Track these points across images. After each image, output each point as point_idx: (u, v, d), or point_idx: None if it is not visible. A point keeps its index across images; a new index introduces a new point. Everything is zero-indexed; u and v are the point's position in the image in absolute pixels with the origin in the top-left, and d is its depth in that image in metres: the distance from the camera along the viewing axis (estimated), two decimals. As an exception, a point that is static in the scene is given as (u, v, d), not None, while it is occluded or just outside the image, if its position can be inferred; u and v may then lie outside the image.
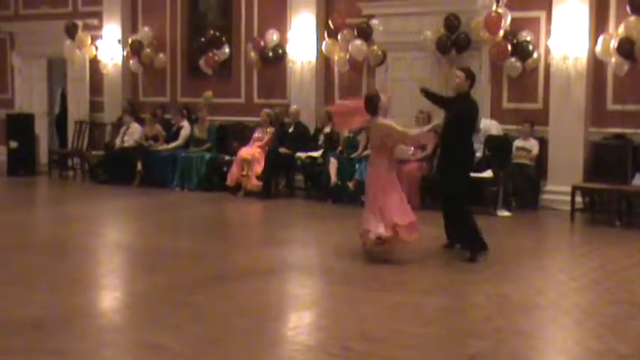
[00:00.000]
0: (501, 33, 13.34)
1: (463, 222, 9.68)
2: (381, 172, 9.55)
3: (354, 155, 14.07)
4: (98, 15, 18.08)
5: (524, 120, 13.47)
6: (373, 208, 9.42)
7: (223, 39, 16.33)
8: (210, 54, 16.30)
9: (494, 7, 13.26)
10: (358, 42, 14.48)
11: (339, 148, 14.38)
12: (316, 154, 14.50)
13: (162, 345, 6.08)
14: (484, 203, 12.93)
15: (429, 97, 10.39)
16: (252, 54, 15.89)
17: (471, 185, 10.22)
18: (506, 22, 13.28)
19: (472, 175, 12.74)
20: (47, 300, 7.44)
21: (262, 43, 15.82)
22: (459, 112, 9.67)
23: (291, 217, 12.99)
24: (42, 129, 19.05)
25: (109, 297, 7.81)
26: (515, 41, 13.49)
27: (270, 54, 15.76)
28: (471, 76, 9.73)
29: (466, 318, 6.94)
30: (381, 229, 9.25)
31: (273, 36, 15.76)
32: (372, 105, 9.50)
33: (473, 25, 13.62)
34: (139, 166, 15.86)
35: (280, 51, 15.76)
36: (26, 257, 9.34)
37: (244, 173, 14.59)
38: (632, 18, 12.33)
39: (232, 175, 14.70)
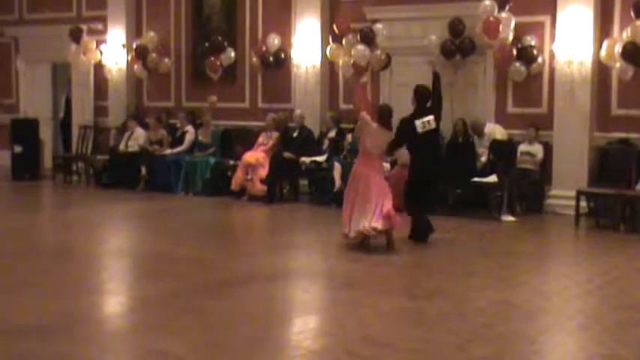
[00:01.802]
0: (509, 37, 13.30)
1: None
2: (379, 174, 10.30)
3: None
4: (103, 20, 18.10)
5: (528, 125, 13.44)
6: (367, 206, 9.98)
7: (225, 43, 16.33)
8: (213, 59, 16.31)
9: (495, 12, 13.25)
10: (361, 47, 14.47)
11: (344, 152, 14.38)
12: (321, 158, 14.50)
13: (166, 350, 6.08)
14: (488, 208, 12.92)
15: (435, 82, 11.02)
16: (254, 59, 15.90)
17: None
18: (509, 27, 13.26)
19: (477, 179, 12.85)
20: (51, 305, 7.45)
21: (264, 48, 15.82)
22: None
23: (295, 221, 12.99)
24: (46, 134, 19.07)
25: (113, 302, 7.81)
26: (519, 46, 13.48)
27: (271, 59, 15.76)
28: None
29: (469, 323, 6.93)
30: (378, 224, 9.92)
31: (274, 41, 15.76)
32: (387, 115, 10.39)
33: (477, 29, 13.61)
34: (143, 170, 15.86)
35: (282, 55, 15.76)
36: (30, 262, 9.34)
37: (249, 178, 14.58)
38: (639, 22, 12.30)
39: (237, 179, 14.69)
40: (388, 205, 10.05)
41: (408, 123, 10.68)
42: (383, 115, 10.44)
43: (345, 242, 10.31)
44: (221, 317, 7.09)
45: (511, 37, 13.33)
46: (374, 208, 9.99)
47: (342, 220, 10.36)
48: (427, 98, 10.81)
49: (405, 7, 14.69)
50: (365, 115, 10.43)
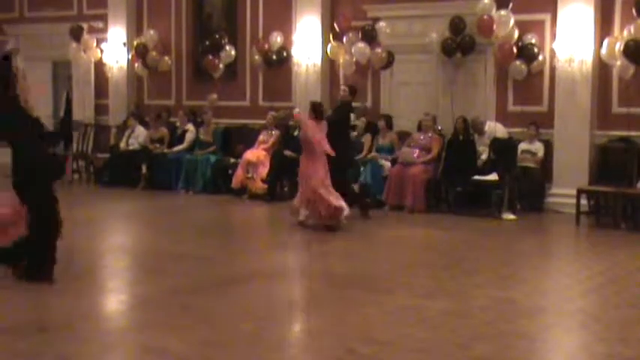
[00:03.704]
0: (507, 35, 13.30)
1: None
2: (323, 168, 11.29)
3: (358, 158, 14.06)
4: (103, 18, 18.09)
5: (529, 123, 13.44)
6: (325, 190, 11.18)
7: (223, 42, 16.31)
8: (211, 57, 16.30)
9: (494, 11, 13.25)
10: (361, 45, 14.47)
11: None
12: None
13: (166, 348, 6.08)
14: (489, 206, 12.91)
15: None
16: (257, 57, 15.90)
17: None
18: (506, 25, 13.24)
19: (477, 177, 12.85)
20: (51, 303, 7.46)
21: (266, 46, 15.82)
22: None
23: (293, 220, 12.97)
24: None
25: (113, 300, 7.81)
26: (520, 44, 13.48)
27: (274, 57, 15.77)
28: (353, 91, 12.75)
29: (470, 321, 6.92)
30: (341, 202, 11.21)
31: (276, 38, 15.77)
32: (319, 111, 11.60)
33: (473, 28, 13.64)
34: (144, 168, 15.86)
35: (284, 53, 15.77)
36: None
37: (249, 176, 14.58)
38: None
39: (237, 177, 14.69)
40: (334, 197, 11.19)
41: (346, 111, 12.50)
42: (315, 111, 11.58)
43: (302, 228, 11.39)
44: (221, 315, 7.09)
45: (509, 35, 13.33)
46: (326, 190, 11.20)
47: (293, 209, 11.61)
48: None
49: (405, 5, 14.69)
50: (301, 117, 11.68)
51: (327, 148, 11.41)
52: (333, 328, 6.76)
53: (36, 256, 8.00)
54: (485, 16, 13.28)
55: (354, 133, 14.29)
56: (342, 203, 11.24)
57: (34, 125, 8.14)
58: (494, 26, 13.25)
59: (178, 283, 8.22)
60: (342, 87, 13.16)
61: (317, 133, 11.46)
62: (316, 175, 11.27)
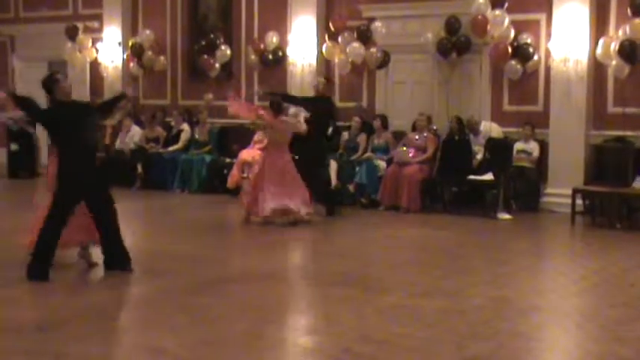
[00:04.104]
0: (502, 35, 13.32)
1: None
2: (287, 160, 11.74)
3: (353, 158, 14.08)
4: (99, 18, 18.08)
5: (524, 122, 13.46)
6: (286, 189, 11.59)
7: (219, 41, 16.30)
8: (206, 57, 16.29)
9: (489, 11, 13.27)
10: (356, 44, 14.47)
11: (340, 150, 14.39)
12: (316, 156, 14.49)
13: (162, 348, 6.07)
14: (484, 206, 12.93)
15: (286, 100, 12.76)
16: (253, 56, 15.90)
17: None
18: (501, 25, 13.25)
19: (472, 177, 12.86)
20: (48, 302, 7.45)
21: (262, 46, 15.83)
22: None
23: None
24: (42, 131, 19.00)
25: (109, 299, 7.80)
26: (515, 44, 13.49)
27: (270, 56, 15.77)
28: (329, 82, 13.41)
29: (466, 320, 6.93)
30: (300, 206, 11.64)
31: (272, 38, 15.77)
32: (277, 106, 11.94)
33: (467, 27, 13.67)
34: (140, 168, 15.85)
35: (280, 53, 15.77)
36: (27, 260, 9.31)
37: (245, 176, 14.55)
38: (637, 20, 12.29)
39: (233, 177, 14.66)
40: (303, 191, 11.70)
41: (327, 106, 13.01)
42: (273, 107, 11.96)
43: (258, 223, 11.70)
44: (217, 314, 7.09)
45: (504, 35, 13.34)
46: (297, 191, 11.65)
47: (248, 206, 11.84)
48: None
49: (401, 5, 14.71)
50: (263, 114, 11.84)
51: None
52: (329, 327, 6.76)
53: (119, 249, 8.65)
54: (479, 16, 13.29)
55: (345, 133, 14.37)
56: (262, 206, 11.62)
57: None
58: (489, 26, 13.26)
59: (174, 283, 8.22)
60: (319, 79, 13.47)
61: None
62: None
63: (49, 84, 8.70)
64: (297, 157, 12.07)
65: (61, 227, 8.28)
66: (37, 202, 9.13)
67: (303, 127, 12.03)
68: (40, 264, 8.18)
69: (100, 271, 8.72)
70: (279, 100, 12.27)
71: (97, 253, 8.86)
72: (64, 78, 9.20)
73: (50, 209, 8.35)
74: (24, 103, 8.93)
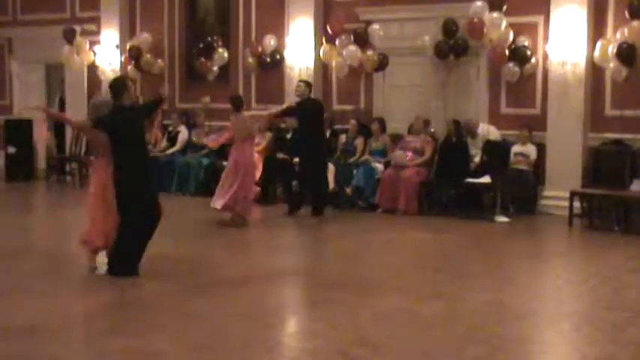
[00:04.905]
0: (499, 38, 13.31)
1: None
2: (250, 157, 12.17)
3: (351, 161, 14.07)
4: (96, 20, 18.06)
5: (522, 125, 13.45)
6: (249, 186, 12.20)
7: (216, 45, 16.29)
8: (203, 60, 16.29)
9: (486, 14, 13.26)
10: (353, 48, 14.47)
11: (337, 153, 14.38)
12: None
13: (159, 351, 6.07)
14: (482, 209, 12.92)
15: (280, 117, 13.84)
16: (250, 59, 15.90)
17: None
18: (498, 28, 13.24)
19: (470, 180, 12.86)
20: (44, 306, 7.43)
21: (260, 49, 15.82)
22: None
23: (288, 222, 12.95)
24: (40, 135, 19.02)
25: (106, 303, 7.78)
26: (513, 46, 13.49)
27: (267, 59, 15.77)
28: (309, 85, 13.24)
29: (463, 324, 6.92)
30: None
31: (269, 41, 15.76)
32: (239, 103, 12.36)
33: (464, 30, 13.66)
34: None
35: (277, 56, 15.76)
36: (23, 263, 9.32)
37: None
38: (635, 23, 12.27)
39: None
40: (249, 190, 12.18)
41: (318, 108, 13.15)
42: (235, 104, 12.29)
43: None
44: (214, 318, 7.08)
45: (501, 37, 13.33)
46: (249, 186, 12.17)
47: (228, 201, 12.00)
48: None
49: (398, 8, 14.68)
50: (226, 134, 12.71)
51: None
52: (326, 330, 6.75)
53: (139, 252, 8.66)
54: (475, 19, 13.29)
55: (342, 136, 14.38)
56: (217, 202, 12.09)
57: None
58: (485, 29, 13.26)
59: (171, 286, 8.21)
60: (299, 82, 13.61)
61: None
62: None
63: (121, 88, 8.48)
64: (298, 159, 12.09)
65: (137, 230, 8.53)
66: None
67: (259, 122, 12.95)
68: (127, 263, 8.45)
69: (98, 275, 8.70)
70: (237, 96, 12.80)
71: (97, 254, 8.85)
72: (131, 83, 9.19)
73: (122, 220, 8.46)
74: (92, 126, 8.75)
